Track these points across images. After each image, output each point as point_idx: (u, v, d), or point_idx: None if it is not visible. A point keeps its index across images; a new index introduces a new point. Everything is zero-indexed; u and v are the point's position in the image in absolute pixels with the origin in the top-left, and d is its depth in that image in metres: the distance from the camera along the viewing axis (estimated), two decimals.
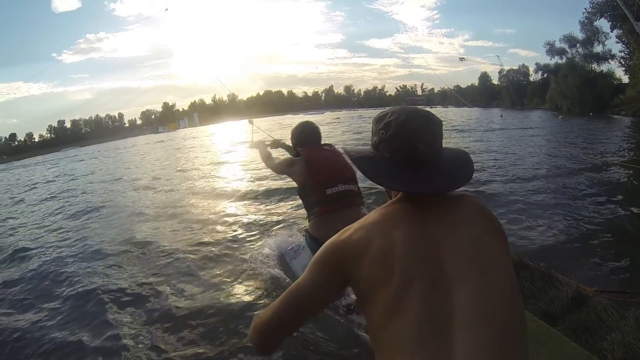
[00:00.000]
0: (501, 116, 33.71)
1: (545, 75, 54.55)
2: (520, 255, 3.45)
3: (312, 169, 2.57)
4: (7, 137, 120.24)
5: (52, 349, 3.12)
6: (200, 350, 2.86)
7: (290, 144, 2.93)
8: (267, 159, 2.94)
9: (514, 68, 74.23)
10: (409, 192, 0.94)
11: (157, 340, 3.05)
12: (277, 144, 3.21)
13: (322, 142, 2.84)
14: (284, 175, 2.85)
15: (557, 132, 18.39)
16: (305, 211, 2.72)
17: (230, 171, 11.49)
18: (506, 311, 0.75)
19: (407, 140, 0.92)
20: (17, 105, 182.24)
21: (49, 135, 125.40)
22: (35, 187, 16.68)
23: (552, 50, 45.49)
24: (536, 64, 57.89)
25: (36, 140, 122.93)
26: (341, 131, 24.92)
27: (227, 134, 34.05)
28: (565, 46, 43.62)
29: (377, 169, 0.95)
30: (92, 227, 6.75)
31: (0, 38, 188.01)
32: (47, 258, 5.28)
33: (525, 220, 5.06)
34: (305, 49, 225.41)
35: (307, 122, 2.90)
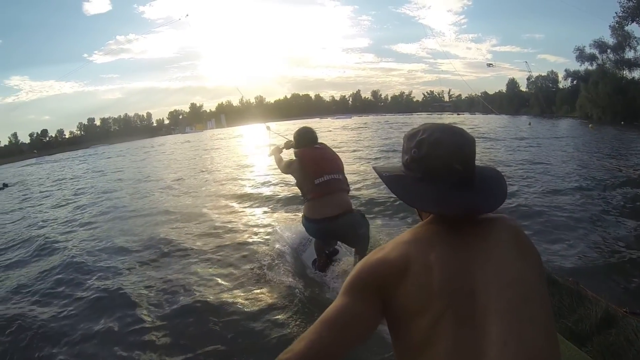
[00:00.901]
0: (529, 124, 32.91)
1: (575, 82, 53.10)
2: (548, 270, 3.36)
3: (303, 165, 3.22)
4: (39, 132, 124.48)
5: (78, 340, 3.25)
6: (222, 349, 2.93)
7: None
8: (279, 162, 3.55)
9: (543, 74, 72.82)
10: (443, 214, 0.90)
11: (177, 337, 3.14)
12: (289, 144, 3.64)
13: (319, 142, 3.44)
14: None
15: (588, 142, 17.76)
16: (303, 198, 3.33)
17: (253, 174, 11.59)
18: (539, 347, 0.71)
19: (441, 160, 0.88)
20: (50, 102, 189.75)
21: (79, 132, 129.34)
22: (65, 182, 17.26)
23: (582, 56, 44.19)
24: (565, 70, 56.71)
25: (67, 136, 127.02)
26: (369, 136, 25.02)
27: (253, 135, 34.42)
28: (595, 52, 42.30)
29: (409, 189, 0.91)
30: (118, 225, 6.91)
31: (33, 39, 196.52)
32: (74, 253, 5.45)
33: (555, 233, 4.89)
34: (332, 53, 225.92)
35: (304, 127, 3.51)
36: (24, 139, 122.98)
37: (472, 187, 0.90)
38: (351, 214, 3.17)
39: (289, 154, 3.57)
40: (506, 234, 0.86)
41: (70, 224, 7.65)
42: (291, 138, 3.64)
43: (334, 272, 3.49)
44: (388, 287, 0.84)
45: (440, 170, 0.88)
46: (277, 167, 3.60)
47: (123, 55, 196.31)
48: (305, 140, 3.38)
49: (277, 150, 3.67)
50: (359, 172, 9.75)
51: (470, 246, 0.84)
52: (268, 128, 4.82)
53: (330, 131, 34.94)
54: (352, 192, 3.67)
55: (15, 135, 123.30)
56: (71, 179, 18.88)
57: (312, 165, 3.19)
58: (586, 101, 42.24)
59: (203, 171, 13.96)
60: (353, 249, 3.40)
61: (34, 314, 3.78)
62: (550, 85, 69.47)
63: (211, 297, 3.66)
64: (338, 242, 3.64)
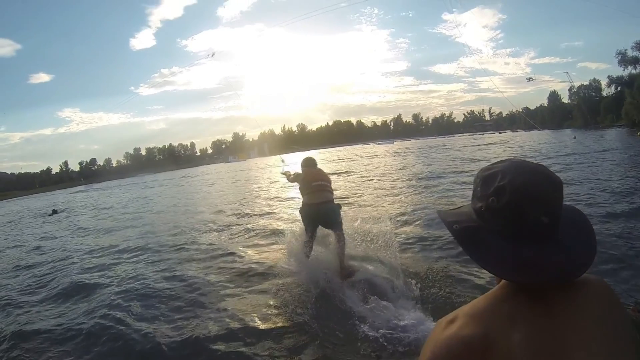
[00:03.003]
0: (574, 138, 31.64)
1: (619, 88, 50.94)
2: None
3: (304, 176, 5.05)
4: (88, 161, 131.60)
5: None
6: None
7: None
8: (288, 177, 5.48)
9: (585, 83, 70.57)
10: (530, 282, 0.75)
11: None
12: (296, 177, 5.25)
13: (317, 167, 5.30)
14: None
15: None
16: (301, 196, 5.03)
17: (292, 208, 10.78)
18: None
19: (526, 212, 0.73)
20: (98, 133, 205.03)
21: (125, 161, 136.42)
22: (110, 211, 18.15)
23: (624, 60, 42.56)
24: (608, 77, 54.60)
25: (114, 165, 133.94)
26: (412, 161, 24.77)
27: (296, 165, 35.12)
28: (638, 54, 40.61)
29: (486, 248, 0.76)
30: (160, 259, 6.98)
31: (84, 73, 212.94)
32: (115, 286, 5.59)
33: (608, 253, 4.55)
34: (372, 78, 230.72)
35: (308, 157, 5.42)
36: (74, 167, 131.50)
37: (559, 242, 0.75)
38: (331, 203, 4.85)
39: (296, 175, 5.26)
40: (600, 310, 0.73)
41: (113, 255, 7.85)
42: (295, 169, 5.58)
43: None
44: None
45: (524, 223, 0.74)
46: (288, 182, 5.50)
47: (167, 87, 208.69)
48: (307, 164, 5.22)
49: (288, 172, 5.58)
50: (406, 203, 9.47)
51: (559, 325, 0.71)
52: (282, 161, 7.86)
53: (374, 157, 34.81)
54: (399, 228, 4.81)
55: (65, 163, 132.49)
56: (112, 207, 19.86)
57: (311, 176, 4.99)
58: (632, 108, 40.19)
59: (242, 204, 13.66)
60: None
61: (74, 347, 3.92)
62: (594, 94, 67.07)
63: (244, 330, 3.79)
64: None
